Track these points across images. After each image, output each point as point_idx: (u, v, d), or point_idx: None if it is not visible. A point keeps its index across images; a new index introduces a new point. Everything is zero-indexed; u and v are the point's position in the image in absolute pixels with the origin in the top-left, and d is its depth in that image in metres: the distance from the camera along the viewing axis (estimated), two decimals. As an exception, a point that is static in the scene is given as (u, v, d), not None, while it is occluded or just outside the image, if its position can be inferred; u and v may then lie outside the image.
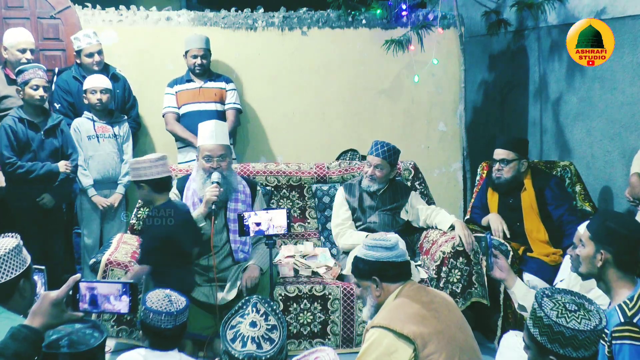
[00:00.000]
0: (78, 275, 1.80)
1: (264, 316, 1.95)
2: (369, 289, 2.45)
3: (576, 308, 1.84)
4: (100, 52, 4.51)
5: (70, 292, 1.78)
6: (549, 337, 1.83)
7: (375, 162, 3.92)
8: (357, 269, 2.48)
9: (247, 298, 2.02)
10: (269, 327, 1.94)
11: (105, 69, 4.58)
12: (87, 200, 4.36)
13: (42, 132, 4.03)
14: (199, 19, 5.11)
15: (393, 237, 2.50)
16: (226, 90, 4.82)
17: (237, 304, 3.40)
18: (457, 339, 2.31)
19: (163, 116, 4.78)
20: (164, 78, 4.92)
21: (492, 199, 3.97)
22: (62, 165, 4.07)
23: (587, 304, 1.86)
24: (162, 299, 2.49)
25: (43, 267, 2.05)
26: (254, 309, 1.96)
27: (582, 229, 2.42)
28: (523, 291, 2.79)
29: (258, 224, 3.14)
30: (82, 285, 1.77)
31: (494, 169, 3.90)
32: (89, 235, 4.40)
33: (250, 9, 5.21)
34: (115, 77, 4.63)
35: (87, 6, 5.05)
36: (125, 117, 4.55)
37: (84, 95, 4.35)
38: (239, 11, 5.19)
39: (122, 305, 1.75)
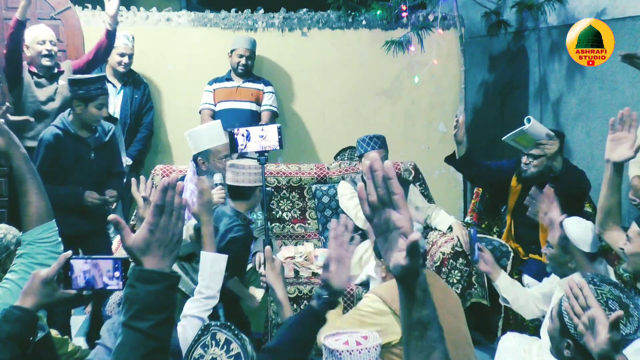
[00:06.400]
0: (69, 252, 1.72)
1: (224, 347, 1.85)
2: (379, 267, 2.69)
3: (616, 308, 1.74)
4: (130, 57, 4.56)
5: (62, 270, 1.71)
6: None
7: (382, 154, 3.82)
8: (376, 248, 2.65)
9: (205, 324, 1.94)
10: (232, 357, 1.86)
11: (129, 72, 4.67)
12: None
13: (92, 151, 3.55)
14: (199, 20, 5.11)
15: (417, 227, 2.56)
16: (263, 92, 4.85)
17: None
18: (446, 322, 2.31)
19: (200, 112, 4.83)
20: (164, 79, 4.92)
21: (513, 196, 3.90)
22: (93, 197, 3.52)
23: (631, 308, 1.77)
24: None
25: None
26: (213, 341, 1.87)
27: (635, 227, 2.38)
28: (506, 284, 2.84)
29: (248, 140, 3.11)
30: (74, 262, 1.70)
31: (522, 161, 3.76)
32: None
33: (250, 10, 5.21)
34: (136, 82, 4.68)
35: (88, 7, 5.05)
36: (118, 119, 4.52)
37: None
38: (239, 12, 5.19)
39: (115, 282, 1.67)
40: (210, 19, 5.14)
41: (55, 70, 4.13)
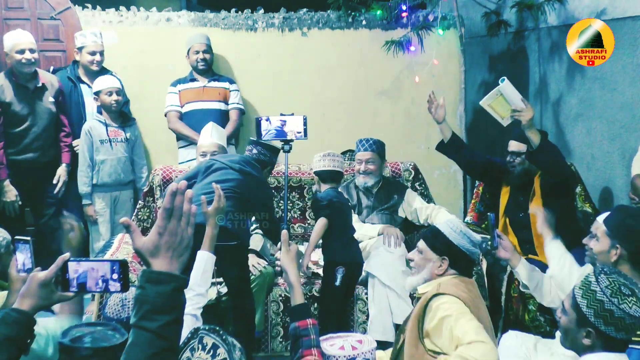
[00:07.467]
0: (67, 255, 1.71)
1: (211, 352, 1.84)
2: (432, 263, 2.51)
3: (630, 293, 1.84)
4: (102, 53, 4.51)
5: (60, 272, 1.70)
6: (596, 311, 1.83)
7: (366, 156, 3.95)
8: (435, 240, 2.52)
9: (195, 328, 1.93)
10: None
11: (101, 70, 4.58)
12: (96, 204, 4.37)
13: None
14: (199, 20, 5.12)
15: (478, 237, 2.58)
16: (230, 91, 4.84)
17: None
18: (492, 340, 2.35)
19: (165, 115, 4.78)
20: (164, 79, 4.92)
21: (503, 197, 3.92)
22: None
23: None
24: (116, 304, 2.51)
25: (28, 238, 1.96)
26: (200, 345, 1.87)
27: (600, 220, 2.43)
28: (528, 270, 2.83)
29: (270, 128, 3.33)
30: (71, 265, 1.69)
31: (507, 159, 3.81)
32: (98, 240, 4.36)
33: (250, 10, 5.22)
34: None
35: (88, 7, 5.05)
36: (135, 119, 4.56)
37: (97, 96, 4.31)
38: (239, 12, 5.20)
39: (113, 284, 1.66)
40: (210, 19, 5.14)
41: (39, 84, 4.19)
